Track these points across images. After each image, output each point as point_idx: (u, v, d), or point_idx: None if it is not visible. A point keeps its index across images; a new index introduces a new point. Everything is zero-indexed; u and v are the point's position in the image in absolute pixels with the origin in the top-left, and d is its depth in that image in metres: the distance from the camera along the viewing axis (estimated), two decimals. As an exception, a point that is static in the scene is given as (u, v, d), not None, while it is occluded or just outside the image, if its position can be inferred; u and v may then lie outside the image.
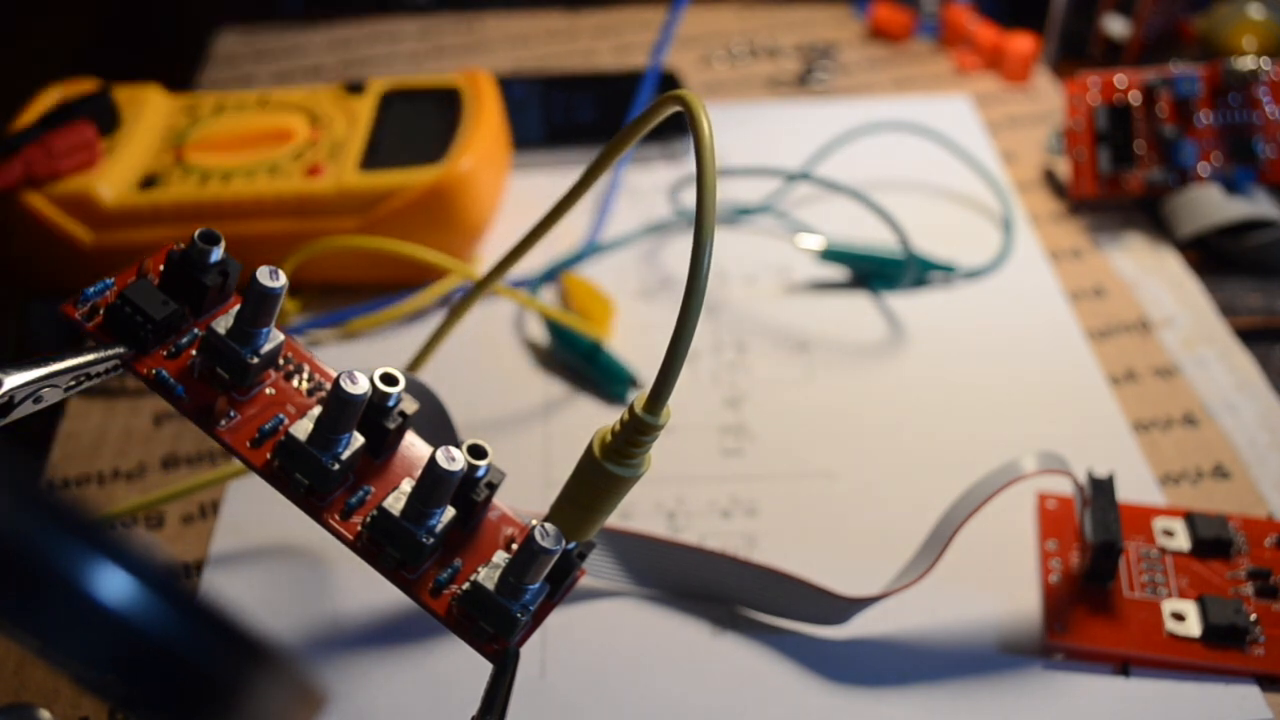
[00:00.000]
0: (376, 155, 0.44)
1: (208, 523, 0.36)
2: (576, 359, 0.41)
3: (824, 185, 0.47)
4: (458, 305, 0.34)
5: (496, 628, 0.25)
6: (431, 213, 0.43)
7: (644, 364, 0.41)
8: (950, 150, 0.51)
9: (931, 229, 0.47)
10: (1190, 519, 0.34)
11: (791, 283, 0.46)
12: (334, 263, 0.44)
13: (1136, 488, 0.37)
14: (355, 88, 0.48)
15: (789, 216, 0.48)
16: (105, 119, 0.45)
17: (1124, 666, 0.32)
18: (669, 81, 0.55)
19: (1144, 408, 0.40)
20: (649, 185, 0.51)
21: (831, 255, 0.45)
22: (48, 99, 0.46)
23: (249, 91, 0.49)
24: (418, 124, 0.46)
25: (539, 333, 0.43)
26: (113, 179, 0.43)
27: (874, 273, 0.45)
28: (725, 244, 0.47)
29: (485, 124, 0.45)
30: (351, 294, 0.44)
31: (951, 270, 0.45)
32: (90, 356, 0.24)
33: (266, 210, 0.43)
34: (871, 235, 0.46)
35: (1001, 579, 0.34)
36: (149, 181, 0.44)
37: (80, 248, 0.43)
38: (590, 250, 0.47)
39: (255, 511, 0.36)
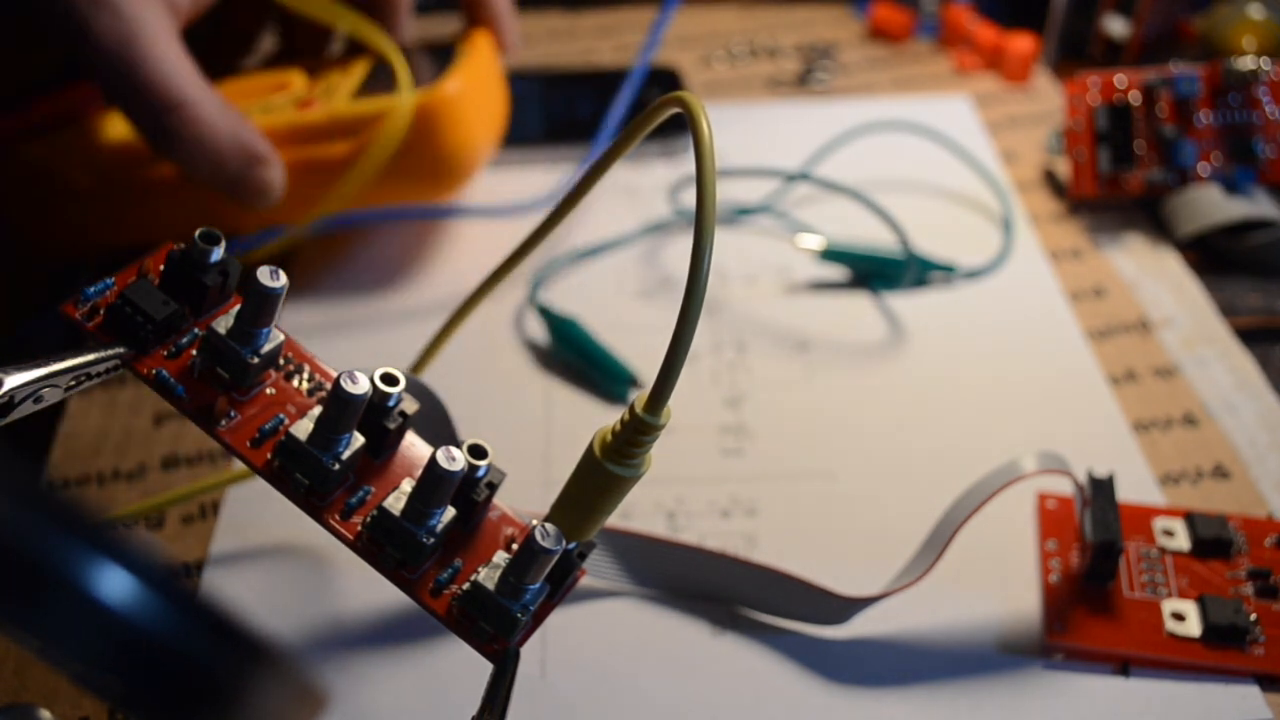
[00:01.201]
0: (368, 89, 0.45)
1: (208, 523, 0.36)
2: (576, 359, 0.41)
3: (824, 185, 0.47)
4: (460, 306, 0.34)
5: (496, 628, 0.25)
6: (419, 135, 0.43)
7: (644, 364, 0.41)
8: (950, 150, 0.51)
9: (931, 229, 0.47)
10: (1190, 519, 0.34)
11: (791, 283, 0.46)
12: (324, 193, 0.44)
13: (1136, 488, 0.37)
14: (352, 50, 0.48)
15: (789, 216, 0.48)
16: None
17: (1124, 666, 0.32)
18: (669, 81, 0.55)
19: (1144, 408, 0.40)
20: (649, 185, 0.51)
21: (831, 255, 0.45)
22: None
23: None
24: (412, 68, 0.46)
25: (539, 333, 0.43)
26: (115, 129, 0.44)
27: (874, 273, 0.45)
28: (725, 244, 0.47)
29: (477, 61, 0.46)
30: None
31: (952, 270, 0.45)
32: (90, 356, 0.24)
33: None
34: (872, 235, 0.46)
35: (1001, 579, 0.34)
36: None
37: (79, 192, 0.43)
38: (590, 250, 0.47)
39: (255, 511, 0.36)
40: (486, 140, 0.46)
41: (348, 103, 0.43)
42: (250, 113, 0.44)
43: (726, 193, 0.49)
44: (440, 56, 0.47)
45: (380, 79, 0.46)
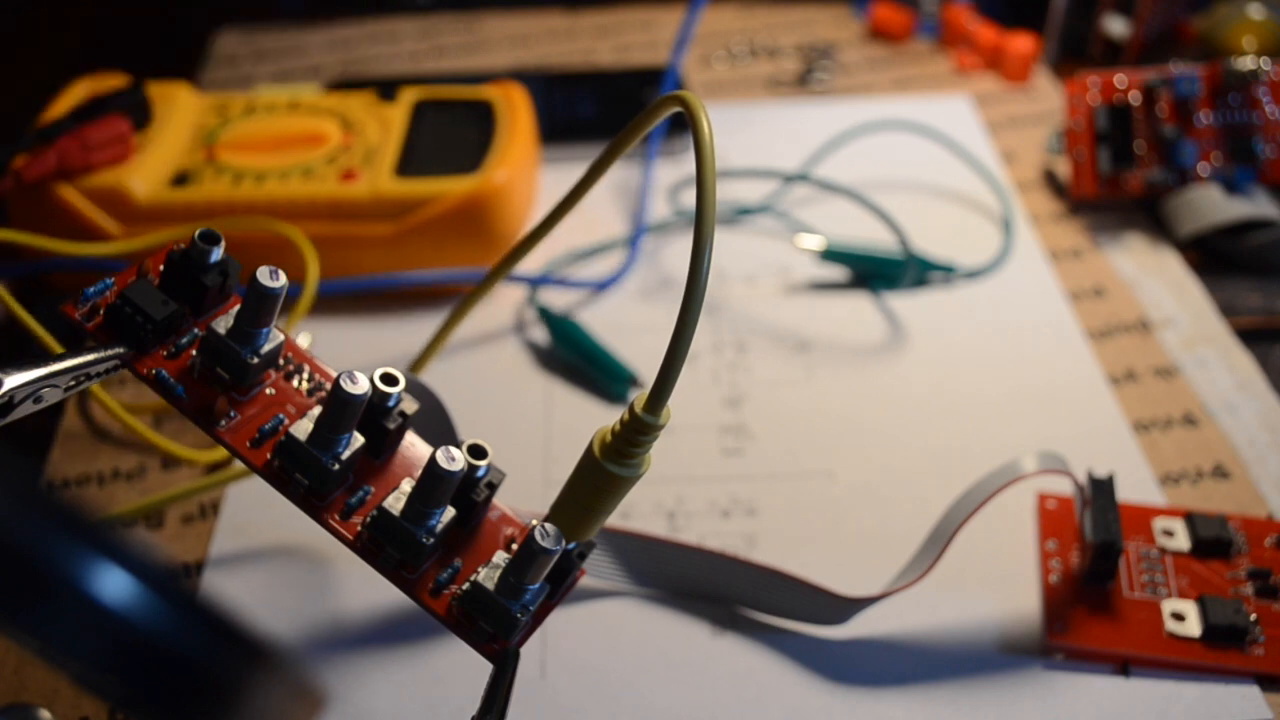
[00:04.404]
0: (411, 163, 0.44)
1: (208, 523, 0.36)
2: (576, 358, 0.41)
3: (823, 186, 0.47)
4: (459, 306, 0.34)
5: (496, 628, 0.25)
6: (466, 222, 0.43)
7: (644, 364, 0.41)
8: (950, 150, 0.51)
9: (931, 229, 0.47)
10: (1190, 519, 0.34)
11: (791, 283, 0.46)
12: (363, 267, 0.44)
13: (1136, 488, 0.37)
14: (387, 94, 0.48)
15: (789, 216, 0.48)
16: (138, 114, 0.45)
17: (1124, 666, 0.32)
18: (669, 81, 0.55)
19: (1144, 408, 0.40)
20: (649, 185, 0.51)
21: (832, 255, 0.45)
22: (76, 92, 0.46)
23: (279, 93, 0.49)
24: (451, 134, 0.46)
25: (539, 333, 0.43)
26: (145, 174, 0.43)
27: (874, 273, 0.45)
28: (725, 244, 0.47)
29: (519, 136, 0.46)
30: (377, 298, 0.44)
31: (951, 270, 0.45)
32: (90, 356, 0.24)
33: (300, 213, 0.43)
34: (871, 235, 0.46)
35: (1001, 579, 0.34)
36: (181, 179, 0.44)
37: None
38: (587, 252, 0.47)
39: (255, 511, 0.36)
40: (526, 211, 0.46)
41: (392, 181, 0.43)
42: (289, 175, 0.44)
43: (727, 193, 0.49)
44: (477, 114, 0.47)
45: (423, 135, 0.46)
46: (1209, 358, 0.42)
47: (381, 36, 0.63)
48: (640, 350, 0.42)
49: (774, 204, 0.49)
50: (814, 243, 0.45)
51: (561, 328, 0.42)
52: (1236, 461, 0.38)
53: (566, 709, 0.31)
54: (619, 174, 0.51)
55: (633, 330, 0.43)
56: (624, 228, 0.48)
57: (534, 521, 0.25)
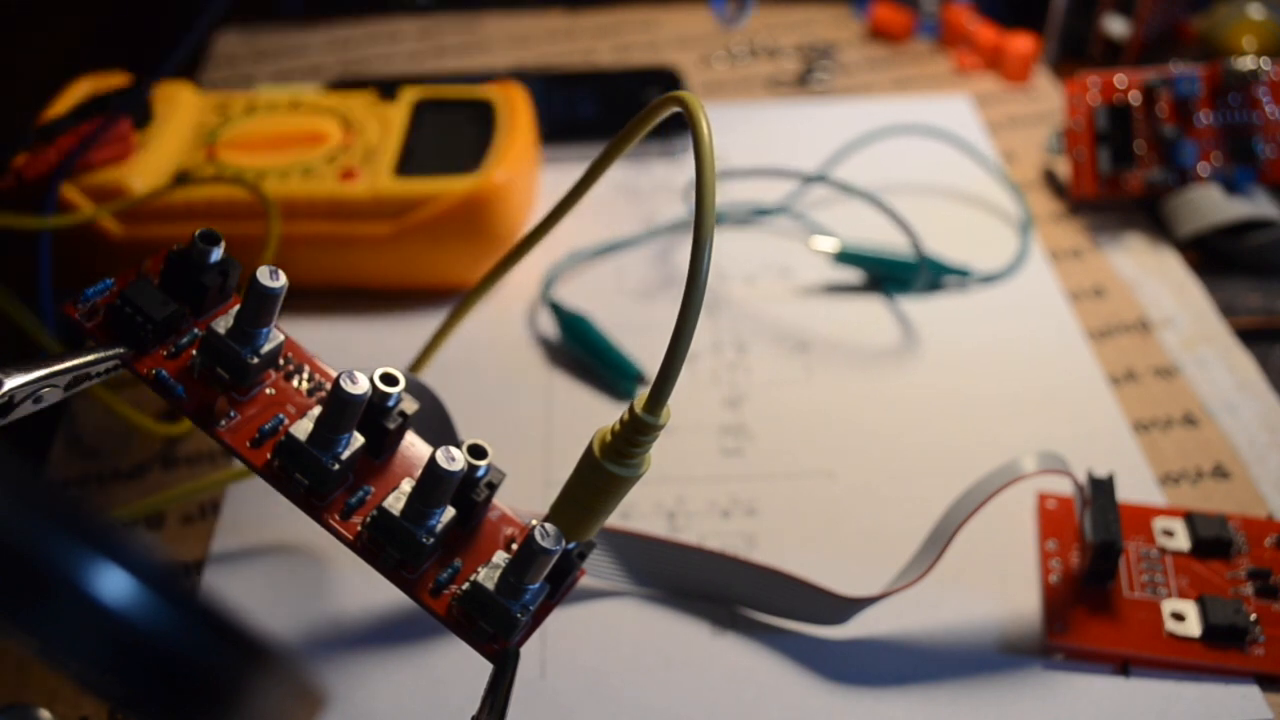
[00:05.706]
0: (411, 162, 0.44)
1: (208, 523, 0.36)
2: (584, 354, 0.41)
3: (838, 187, 0.47)
4: (458, 306, 0.34)
5: (496, 628, 0.25)
6: (466, 221, 0.43)
7: (645, 363, 0.41)
8: (956, 150, 0.51)
9: (934, 230, 0.47)
10: (1190, 519, 0.34)
11: (790, 283, 0.46)
12: (363, 266, 0.44)
13: (1136, 488, 0.37)
14: (388, 93, 0.48)
15: (802, 218, 0.48)
16: (138, 113, 0.45)
17: (1124, 666, 0.32)
18: (669, 81, 0.55)
19: (1144, 408, 0.40)
20: (649, 185, 0.51)
21: (846, 258, 0.45)
22: (77, 91, 0.46)
23: (280, 93, 0.49)
24: (451, 133, 0.46)
25: (540, 332, 0.43)
26: (145, 173, 0.43)
27: (887, 276, 0.45)
28: (729, 244, 0.47)
29: (519, 136, 0.45)
30: (377, 298, 0.44)
31: (966, 274, 0.45)
32: (90, 356, 0.24)
33: (299, 212, 0.43)
34: (873, 236, 0.45)
35: (1001, 579, 0.34)
36: (181, 178, 0.44)
37: (110, 240, 0.43)
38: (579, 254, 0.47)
39: (255, 511, 0.36)
40: (526, 211, 0.46)
41: (392, 180, 0.43)
42: (290, 174, 0.43)
43: (728, 194, 0.49)
44: (477, 114, 0.47)
45: (423, 135, 0.46)
46: (1209, 358, 0.42)
47: (381, 36, 0.63)
48: (642, 350, 0.42)
49: (786, 206, 0.49)
50: (828, 245, 0.45)
51: (571, 323, 0.42)
52: (1236, 461, 0.38)
53: (566, 709, 0.31)
54: (621, 174, 0.51)
55: (642, 329, 0.43)
56: (627, 227, 0.48)
57: (534, 521, 0.25)
